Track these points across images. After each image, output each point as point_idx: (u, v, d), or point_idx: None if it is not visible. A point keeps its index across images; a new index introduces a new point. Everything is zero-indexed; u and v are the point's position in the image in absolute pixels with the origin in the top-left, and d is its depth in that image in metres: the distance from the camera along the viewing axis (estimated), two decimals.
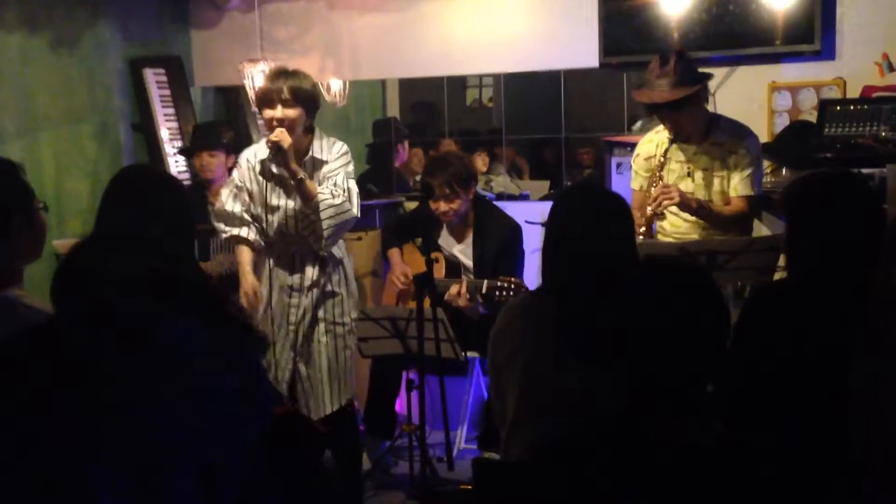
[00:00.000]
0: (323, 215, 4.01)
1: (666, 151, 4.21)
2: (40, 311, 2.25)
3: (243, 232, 4.21)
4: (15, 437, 1.36)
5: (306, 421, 2.00)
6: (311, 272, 4.15)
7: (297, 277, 4.16)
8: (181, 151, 5.74)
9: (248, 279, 4.15)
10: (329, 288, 4.18)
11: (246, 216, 4.20)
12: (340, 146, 4.16)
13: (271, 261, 4.19)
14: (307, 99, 4.06)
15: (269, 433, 1.64)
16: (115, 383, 1.39)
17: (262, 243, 4.21)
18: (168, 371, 1.42)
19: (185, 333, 1.48)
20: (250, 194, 4.18)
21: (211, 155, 5.27)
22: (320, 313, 4.17)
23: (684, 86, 4.14)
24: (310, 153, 4.11)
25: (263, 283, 4.18)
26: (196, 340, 1.48)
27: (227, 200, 4.24)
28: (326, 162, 4.11)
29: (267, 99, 4.03)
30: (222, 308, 1.84)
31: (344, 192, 4.06)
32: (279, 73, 4.09)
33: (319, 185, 4.06)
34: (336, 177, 4.08)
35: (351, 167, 4.16)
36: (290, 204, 4.10)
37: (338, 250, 4.23)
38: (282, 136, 3.96)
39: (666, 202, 4.08)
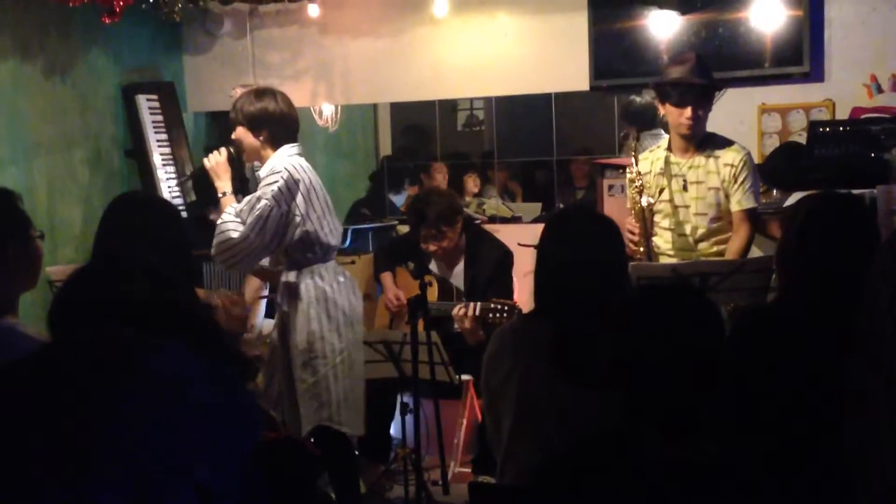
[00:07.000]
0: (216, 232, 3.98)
1: (667, 158, 4.28)
2: (37, 339, 2.25)
3: None
4: (16, 461, 1.37)
5: (300, 445, 2.01)
6: (274, 295, 4.17)
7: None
8: (189, 176, 5.51)
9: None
10: (289, 315, 4.04)
11: None
12: (274, 165, 3.94)
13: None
14: (247, 118, 3.98)
15: (260, 456, 1.66)
16: (111, 410, 1.41)
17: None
18: (162, 397, 1.44)
19: (177, 361, 1.50)
20: None
21: None
22: (289, 339, 4.05)
23: (705, 77, 4.26)
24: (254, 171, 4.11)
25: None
26: (187, 367, 1.50)
27: None
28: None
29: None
30: (215, 335, 1.86)
31: (241, 211, 3.89)
32: (243, 94, 4.11)
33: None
34: (253, 196, 3.93)
35: (270, 189, 3.86)
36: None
37: (293, 276, 4.03)
38: (212, 157, 4.03)
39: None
